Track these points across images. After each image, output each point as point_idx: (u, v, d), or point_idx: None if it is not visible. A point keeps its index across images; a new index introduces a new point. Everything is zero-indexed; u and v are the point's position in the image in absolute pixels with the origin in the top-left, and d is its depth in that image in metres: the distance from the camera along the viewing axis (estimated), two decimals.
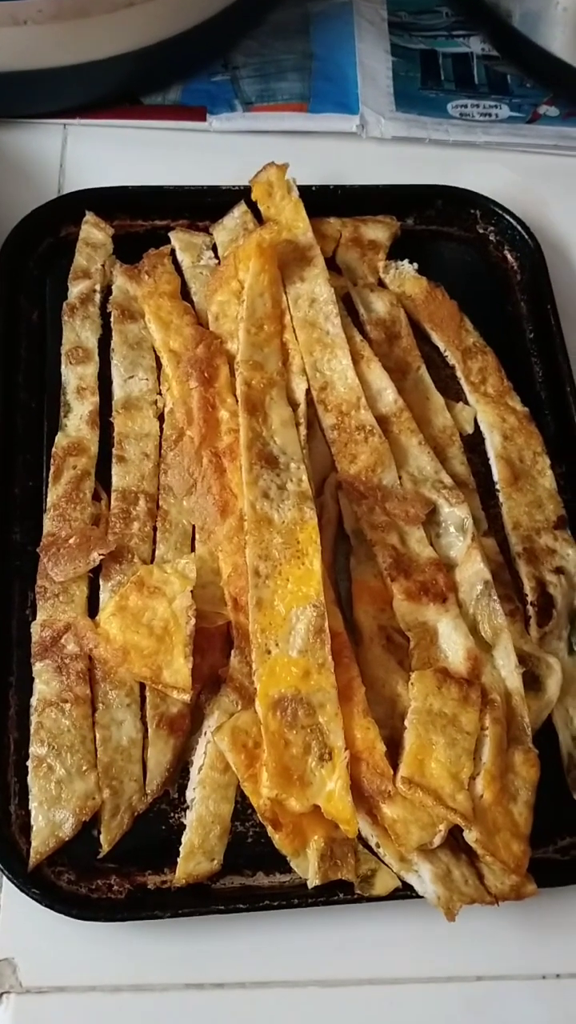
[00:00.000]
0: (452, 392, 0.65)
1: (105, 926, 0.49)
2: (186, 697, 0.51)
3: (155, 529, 0.57)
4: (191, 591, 0.53)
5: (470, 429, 0.63)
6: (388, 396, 0.61)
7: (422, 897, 0.49)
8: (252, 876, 0.51)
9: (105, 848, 0.50)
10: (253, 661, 0.52)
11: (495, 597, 0.56)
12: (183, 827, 0.51)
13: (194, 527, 0.57)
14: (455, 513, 0.59)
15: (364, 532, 0.58)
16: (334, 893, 0.50)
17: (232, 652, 0.54)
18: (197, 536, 0.57)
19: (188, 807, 0.51)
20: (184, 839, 0.51)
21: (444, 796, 0.50)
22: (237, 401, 0.59)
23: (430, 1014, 0.50)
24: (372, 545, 0.57)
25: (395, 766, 0.51)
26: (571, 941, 0.52)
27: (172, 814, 0.52)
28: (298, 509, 0.55)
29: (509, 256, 0.70)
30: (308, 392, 0.60)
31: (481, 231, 0.70)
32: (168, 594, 0.53)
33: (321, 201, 0.68)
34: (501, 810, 0.51)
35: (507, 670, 0.55)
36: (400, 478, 0.59)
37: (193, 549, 0.57)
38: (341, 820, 0.49)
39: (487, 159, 0.75)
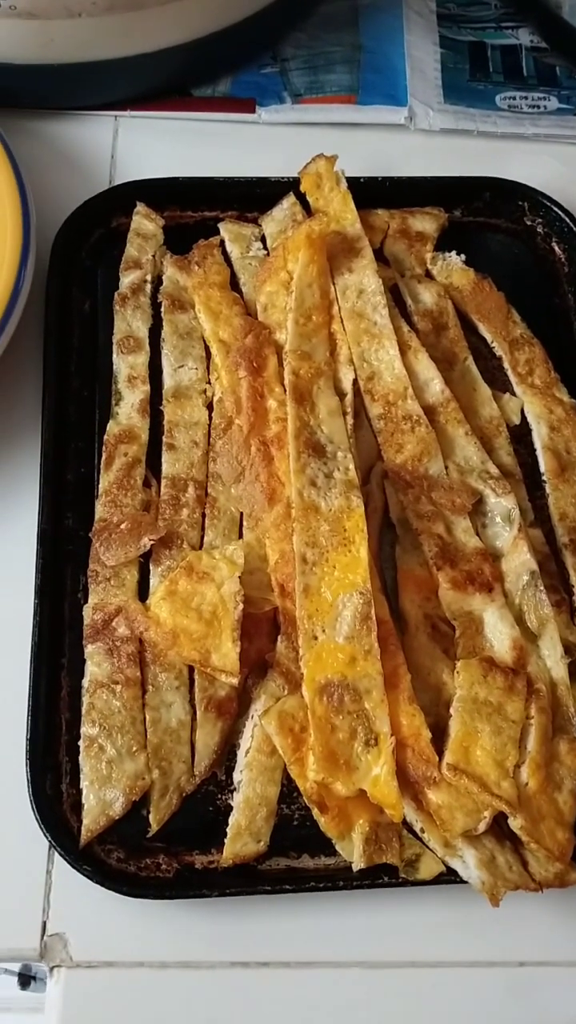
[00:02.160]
0: (499, 383, 0.65)
1: (154, 903, 0.50)
2: (234, 681, 0.52)
3: (204, 516, 0.58)
4: (239, 577, 0.54)
5: (517, 420, 0.63)
6: (435, 386, 0.61)
7: (466, 882, 0.49)
8: (298, 858, 0.52)
9: (154, 827, 0.51)
10: (300, 647, 0.53)
11: (541, 587, 0.56)
12: (230, 808, 0.52)
13: (242, 514, 0.58)
14: (501, 503, 0.59)
15: (410, 521, 0.58)
16: (379, 876, 0.50)
17: (279, 637, 0.54)
18: (245, 523, 0.58)
19: (235, 789, 0.52)
20: (231, 820, 0.51)
21: (489, 783, 0.50)
22: (285, 390, 0.59)
23: (472, 998, 0.51)
24: (418, 534, 0.58)
25: (440, 753, 0.51)
26: None
27: (219, 795, 0.52)
28: (345, 497, 0.56)
29: (557, 248, 0.70)
30: (355, 382, 0.61)
31: (529, 223, 0.70)
32: (216, 579, 0.54)
33: (369, 193, 0.68)
34: (546, 798, 0.51)
35: (552, 660, 0.55)
36: (447, 468, 0.59)
37: (241, 536, 0.57)
38: (387, 805, 0.49)
39: (535, 151, 0.74)
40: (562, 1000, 0.51)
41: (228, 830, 0.51)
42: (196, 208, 0.68)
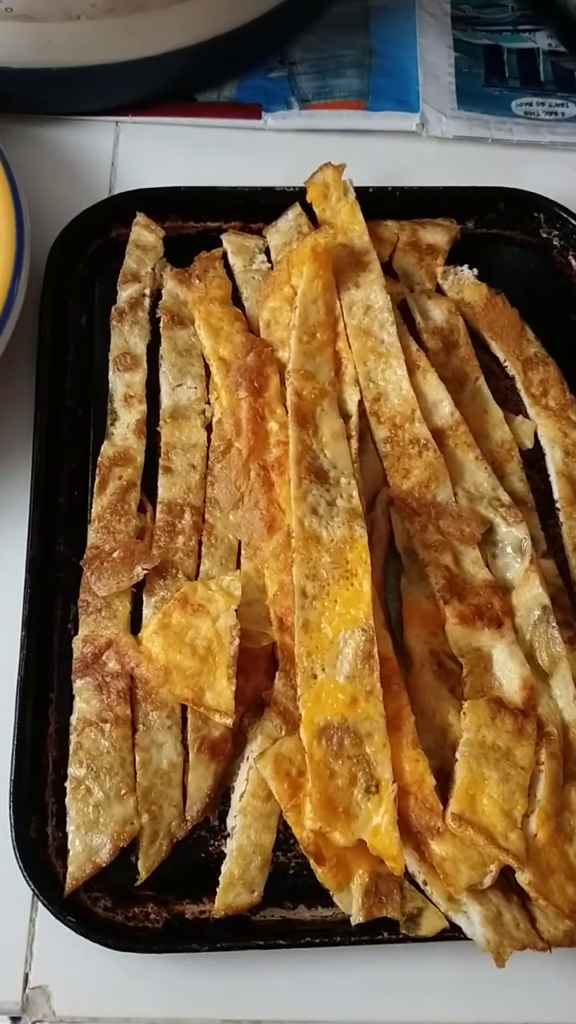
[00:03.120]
0: (512, 404, 0.62)
1: (142, 956, 0.48)
2: (228, 721, 0.49)
3: (200, 543, 0.55)
4: (235, 610, 0.52)
5: (530, 444, 0.61)
6: (444, 408, 0.59)
7: (470, 939, 0.47)
8: (294, 909, 0.49)
9: (143, 875, 0.48)
10: (298, 686, 0.50)
11: (554, 623, 0.53)
12: (223, 855, 0.49)
13: (240, 542, 0.55)
14: (513, 533, 0.56)
15: (416, 551, 0.55)
16: (378, 931, 0.48)
17: (277, 674, 0.52)
18: (243, 552, 0.55)
19: (228, 835, 0.50)
20: (224, 869, 0.49)
21: (496, 835, 0.47)
22: (287, 412, 0.57)
23: None
24: (425, 565, 0.55)
25: (445, 799, 0.48)
26: None
27: (212, 841, 0.50)
28: (348, 527, 0.53)
29: (574, 262, 0.67)
30: (361, 403, 0.58)
31: (545, 235, 0.67)
32: (212, 612, 0.52)
33: (378, 203, 0.65)
34: (556, 851, 0.48)
35: (565, 701, 0.52)
36: (455, 495, 0.57)
37: (239, 565, 0.55)
38: (387, 856, 0.47)
39: (553, 159, 0.72)
40: None
41: (220, 879, 0.49)
42: (198, 218, 0.66)
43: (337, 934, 0.48)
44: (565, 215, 0.66)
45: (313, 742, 0.49)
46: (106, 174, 0.69)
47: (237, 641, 0.51)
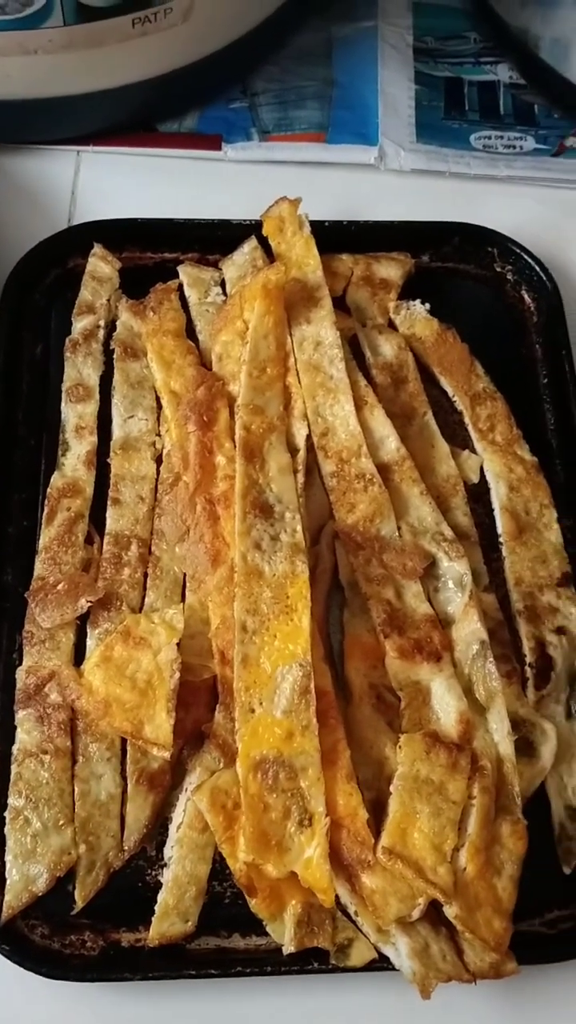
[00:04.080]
0: (459, 439, 0.63)
1: (77, 984, 0.49)
2: (166, 754, 0.50)
3: (146, 575, 0.56)
4: (178, 643, 0.53)
5: (475, 478, 0.62)
6: (390, 444, 0.60)
7: (399, 970, 0.48)
8: (228, 938, 0.50)
9: (79, 904, 0.49)
10: (236, 719, 0.51)
11: (490, 658, 0.54)
12: (160, 884, 0.50)
13: (185, 575, 0.56)
14: (455, 567, 0.57)
15: (360, 585, 0.56)
16: (308, 961, 0.49)
17: (217, 707, 0.53)
18: (188, 584, 0.56)
19: (165, 865, 0.51)
20: (159, 898, 0.50)
21: (425, 869, 0.48)
22: (235, 446, 0.57)
23: None
24: (367, 599, 0.56)
25: (378, 833, 0.49)
26: (554, 1019, 0.51)
27: (149, 871, 0.51)
28: (290, 562, 0.54)
29: (526, 297, 0.68)
30: (309, 438, 0.59)
31: (499, 270, 0.68)
32: (154, 646, 0.53)
33: (334, 237, 0.66)
34: (484, 884, 0.49)
35: (500, 735, 0.53)
36: (400, 529, 0.58)
37: (184, 598, 0.56)
38: (318, 889, 0.48)
39: (510, 193, 0.73)
40: None
41: (156, 909, 0.50)
42: (156, 249, 0.67)
43: (268, 963, 0.49)
44: (518, 250, 0.67)
45: (248, 775, 0.50)
46: (66, 203, 0.70)
47: (177, 675, 0.52)
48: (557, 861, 0.53)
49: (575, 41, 0.68)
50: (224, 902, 0.51)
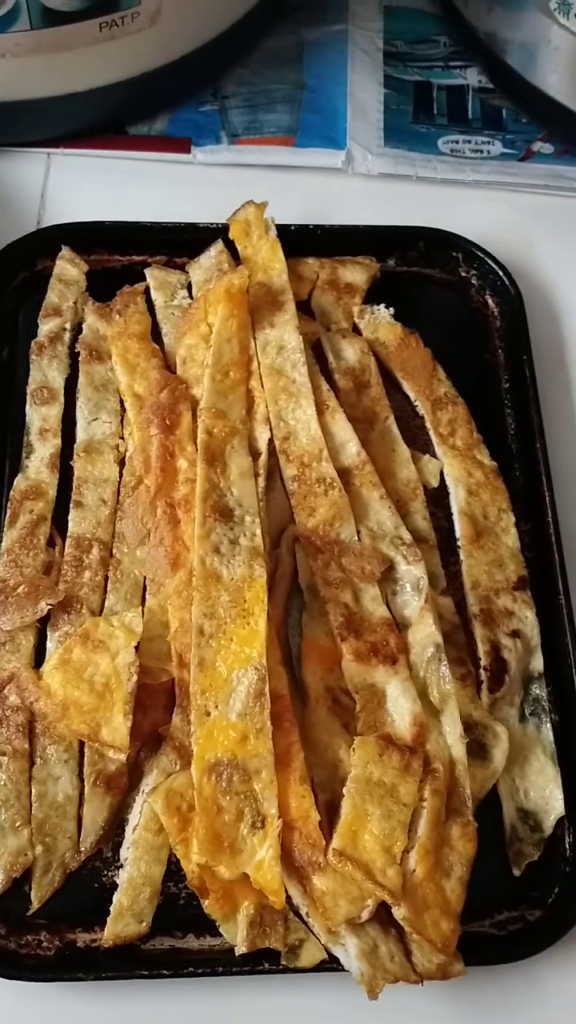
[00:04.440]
0: (420, 443, 0.64)
1: (32, 984, 0.49)
2: (122, 757, 0.51)
3: (107, 578, 0.57)
4: (136, 646, 0.53)
5: (435, 483, 0.62)
6: (351, 448, 0.60)
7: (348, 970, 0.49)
8: (183, 938, 0.51)
9: (35, 905, 0.50)
10: (192, 722, 0.52)
11: (445, 662, 0.55)
12: (116, 885, 0.51)
13: (146, 578, 0.57)
14: (412, 572, 0.58)
15: (318, 588, 0.57)
16: (260, 962, 0.49)
17: (175, 710, 0.53)
18: (148, 588, 0.57)
19: (121, 866, 0.52)
20: (114, 899, 0.50)
21: (375, 871, 0.49)
22: (197, 450, 0.58)
23: None
24: (325, 602, 0.57)
25: (331, 836, 0.50)
26: (500, 1017, 0.52)
27: (106, 872, 0.52)
28: (248, 566, 0.55)
29: (490, 301, 0.68)
30: (271, 442, 0.60)
31: (464, 274, 0.69)
32: (112, 649, 0.53)
33: (301, 240, 0.67)
34: (433, 886, 0.50)
35: (453, 738, 0.54)
36: (359, 533, 0.58)
37: (144, 601, 0.56)
38: (269, 891, 0.49)
39: (476, 197, 0.73)
40: None
41: (111, 909, 0.50)
42: (124, 252, 0.67)
43: (219, 964, 0.49)
44: (482, 255, 0.68)
45: (203, 778, 0.50)
46: (35, 205, 0.70)
47: (135, 678, 0.52)
48: (508, 863, 0.54)
49: (541, 47, 0.68)
50: (179, 903, 0.51)
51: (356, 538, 0.58)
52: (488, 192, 0.73)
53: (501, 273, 0.67)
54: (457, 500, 0.62)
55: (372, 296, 0.67)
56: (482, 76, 0.76)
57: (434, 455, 0.63)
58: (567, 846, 0.54)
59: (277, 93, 0.74)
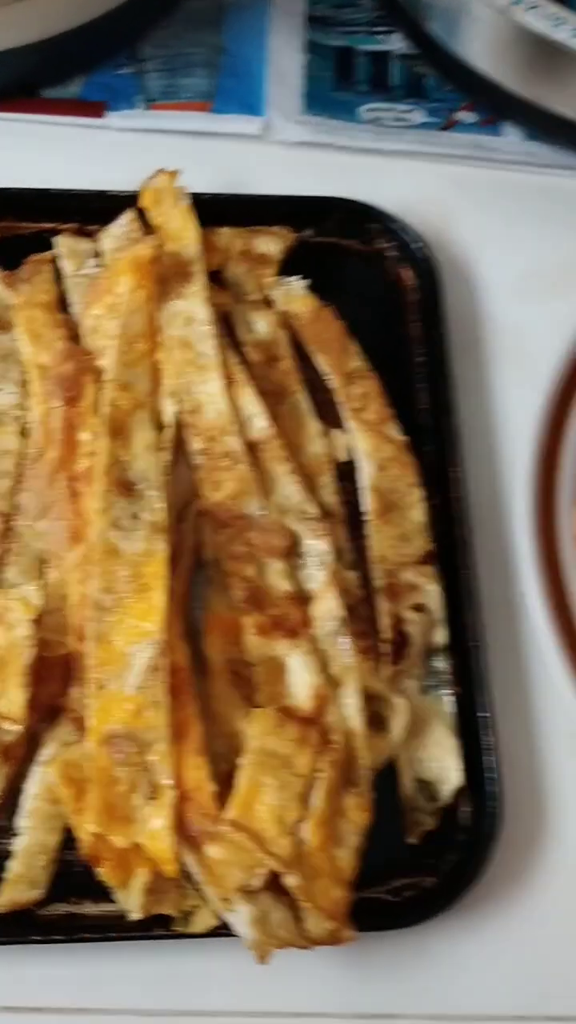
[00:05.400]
0: (333, 417, 0.63)
1: None
2: (19, 728, 0.51)
3: (7, 551, 0.56)
4: (35, 619, 0.53)
5: (344, 457, 0.62)
6: (259, 422, 0.60)
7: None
8: (79, 904, 0.52)
9: None
10: (88, 695, 0.52)
11: (346, 635, 0.56)
12: (11, 854, 0.52)
13: (46, 551, 0.57)
14: (317, 546, 0.58)
15: (222, 562, 0.57)
16: (150, 927, 0.50)
17: (73, 682, 0.54)
18: (48, 561, 0.56)
19: (17, 835, 0.52)
20: (9, 867, 0.51)
21: (266, 840, 0.50)
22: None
23: None
24: (228, 576, 0.57)
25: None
26: (393, 981, 0.53)
27: (2, 841, 0.52)
28: (148, 541, 0.55)
29: (407, 274, 0.68)
30: (177, 415, 0.59)
31: (381, 246, 0.68)
32: (10, 621, 0.53)
33: (215, 210, 0.66)
34: (325, 855, 0.51)
35: (352, 710, 0.55)
36: (266, 507, 0.58)
37: (44, 574, 0.56)
38: (161, 860, 0.49)
39: (397, 167, 0.72)
40: None
41: (5, 876, 0.51)
42: (33, 219, 0.66)
43: (112, 930, 0.50)
44: (399, 227, 0.67)
45: (98, 749, 0.51)
46: None
47: (32, 651, 0.52)
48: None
49: (463, 15, 0.67)
50: (75, 870, 0.52)
51: (262, 512, 0.58)
52: (409, 162, 0.73)
53: (418, 245, 0.67)
54: (366, 474, 0.62)
55: (288, 267, 0.66)
56: (406, 42, 0.75)
57: (345, 430, 0.63)
58: (464, 816, 0.55)
59: (196, 57, 0.73)
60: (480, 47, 0.69)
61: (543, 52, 0.66)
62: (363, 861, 0.52)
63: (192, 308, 0.61)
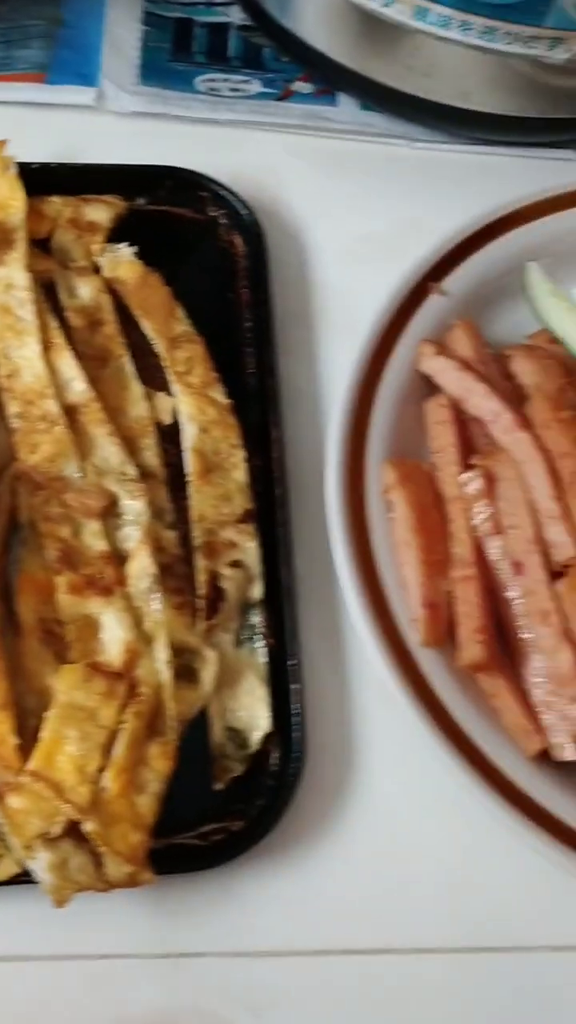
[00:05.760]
0: (159, 381, 0.65)
1: None
2: None
3: None
4: None
5: (168, 419, 0.64)
6: (77, 386, 0.61)
7: None
8: None
9: None
10: None
11: (157, 592, 0.57)
12: None
13: None
14: (134, 506, 0.59)
15: (38, 524, 0.58)
16: None
17: None
18: None
19: None
20: None
21: (65, 789, 0.51)
22: None
23: (49, 989, 0.53)
24: (43, 537, 0.58)
25: None
26: (200, 921, 0.55)
27: None
28: None
29: (237, 241, 0.69)
30: None
31: (212, 214, 0.70)
32: None
33: (46, 179, 0.66)
34: (125, 802, 0.52)
35: (161, 663, 0.56)
36: (85, 469, 0.60)
37: None
38: None
39: (232, 137, 0.73)
40: (138, 990, 0.53)
41: None
42: None
43: None
44: (228, 194, 0.69)
45: None
46: None
47: None
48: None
49: None
50: None
51: (80, 474, 0.60)
52: (246, 132, 0.74)
53: (247, 212, 0.68)
54: (189, 436, 0.63)
55: (121, 235, 0.67)
56: (244, 14, 0.76)
57: (170, 393, 0.65)
58: (274, 762, 0.57)
59: (33, 29, 0.73)
60: (312, 21, 0.70)
61: (371, 26, 0.68)
62: (174, 809, 0.53)
63: (11, 275, 0.62)
